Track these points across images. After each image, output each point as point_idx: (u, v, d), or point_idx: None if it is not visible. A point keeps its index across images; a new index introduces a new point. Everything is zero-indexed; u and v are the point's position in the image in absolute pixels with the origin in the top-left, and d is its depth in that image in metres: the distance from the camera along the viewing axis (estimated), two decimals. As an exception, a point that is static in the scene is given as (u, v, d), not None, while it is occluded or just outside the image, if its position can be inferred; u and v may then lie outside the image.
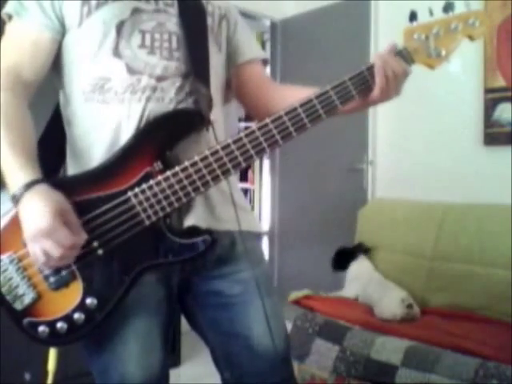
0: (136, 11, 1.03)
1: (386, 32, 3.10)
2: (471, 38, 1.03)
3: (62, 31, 1.03)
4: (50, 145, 1.08)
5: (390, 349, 1.96)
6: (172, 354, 2.71)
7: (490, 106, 2.67)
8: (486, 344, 1.89)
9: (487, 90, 2.68)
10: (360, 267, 2.64)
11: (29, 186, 0.89)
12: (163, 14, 1.06)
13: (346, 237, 2.93)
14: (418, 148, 2.98)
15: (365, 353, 2.00)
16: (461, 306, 2.34)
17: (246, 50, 1.20)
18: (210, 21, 1.12)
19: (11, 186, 0.90)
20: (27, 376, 2.19)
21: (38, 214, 0.87)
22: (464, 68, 2.59)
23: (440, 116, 2.87)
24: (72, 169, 1.06)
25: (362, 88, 1.02)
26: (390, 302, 2.29)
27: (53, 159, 1.06)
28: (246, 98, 1.23)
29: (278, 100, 1.16)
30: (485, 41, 2.61)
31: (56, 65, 1.07)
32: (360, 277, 2.58)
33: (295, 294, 2.48)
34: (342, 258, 2.66)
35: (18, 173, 0.90)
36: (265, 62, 1.26)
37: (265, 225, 3.95)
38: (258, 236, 1.19)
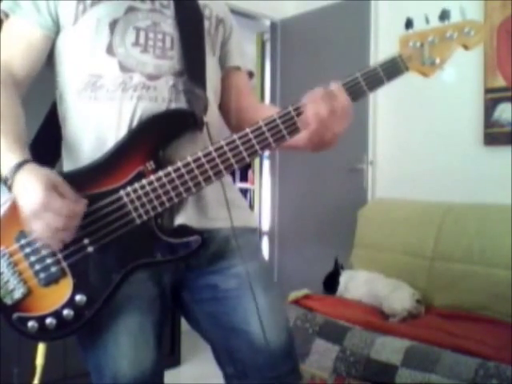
0: (131, 10, 1.04)
1: (385, 32, 3.11)
2: (466, 47, 1.03)
3: (56, 29, 1.04)
4: (45, 143, 1.09)
5: (390, 349, 1.96)
6: (172, 354, 2.71)
7: (490, 106, 2.67)
8: (486, 344, 1.90)
9: (487, 90, 2.68)
10: (352, 274, 2.65)
11: (19, 166, 0.89)
12: (159, 15, 1.07)
13: (345, 237, 2.93)
14: (418, 148, 2.99)
15: (365, 353, 2.00)
16: (461, 306, 2.34)
17: (235, 56, 1.21)
18: (207, 24, 1.13)
19: (2, 170, 0.91)
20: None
21: (31, 190, 0.86)
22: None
23: (440, 116, 2.88)
24: (66, 166, 1.07)
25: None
26: (401, 295, 2.34)
27: (48, 157, 1.06)
28: (222, 102, 1.22)
29: (251, 115, 1.16)
30: (485, 41, 2.61)
31: (52, 63, 1.08)
32: (357, 279, 2.59)
33: (295, 294, 2.48)
34: (330, 281, 2.67)
35: (8, 156, 0.90)
36: (250, 74, 1.27)
37: (265, 225, 3.95)
38: (253, 231, 1.19)
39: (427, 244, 2.56)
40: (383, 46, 3.12)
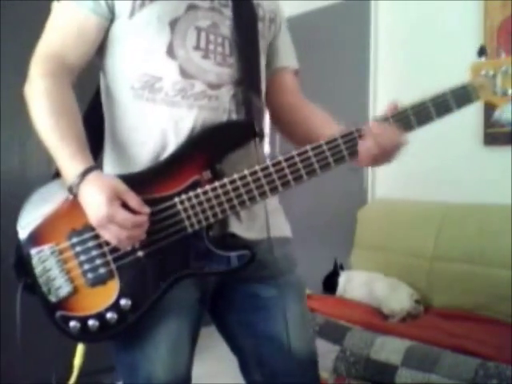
0: (191, 8, 1.01)
1: (386, 32, 3.10)
2: None
3: (111, 17, 1.00)
4: (90, 129, 1.05)
5: (389, 349, 1.95)
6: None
7: (490, 106, 2.66)
8: (486, 344, 1.89)
9: (487, 90, 2.68)
10: (350, 275, 2.65)
11: (83, 175, 0.89)
12: (218, 14, 1.04)
13: (345, 237, 2.93)
14: (417, 148, 2.96)
15: (365, 353, 2.00)
16: (461, 307, 2.34)
17: (283, 55, 1.19)
18: (260, 26, 1.10)
19: (66, 177, 0.91)
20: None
21: (95, 203, 0.88)
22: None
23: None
24: (111, 162, 1.05)
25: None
26: (399, 296, 2.34)
27: (91, 144, 1.03)
28: (270, 104, 1.20)
29: (300, 116, 1.16)
30: (485, 41, 2.61)
31: (102, 51, 1.05)
32: (356, 280, 2.58)
33: (295, 294, 2.48)
34: (330, 281, 2.67)
35: (71, 163, 0.91)
36: (296, 72, 1.24)
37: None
38: (290, 240, 1.18)
39: (427, 244, 2.55)
40: (383, 46, 3.12)
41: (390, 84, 3.05)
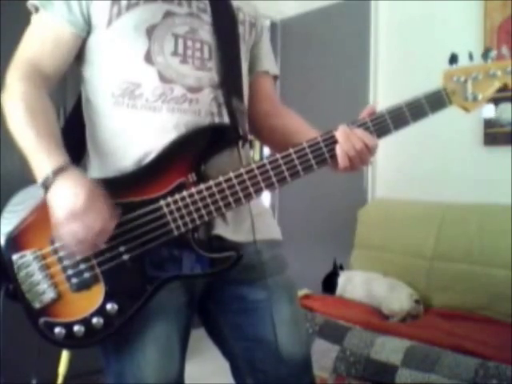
0: (168, 15, 1.02)
1: (385, 32, 3.11)
2: (506, 86, 1.05)
3: (87, 29, 1.02)
4: (71, 138, 1.05)
5: (389, 349, 1.95)
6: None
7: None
8: (486, 344, 1.90)
9: (487, 90, 2.67)
10: (349, 275, 2.65)
11: (60, 170, 0.88)
12: (196, 20, 1.05)
13: (345, 237, 2.93)
14: (417, 148, 2.98)
15: (365, 353, 2.00)
16: (461, 306, 2.34)
17: (264, 60, 1.20)
18: (241, 29, 1.11)
19: (40, 173, 0.89)
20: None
21: (70, 196, 0.85)
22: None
23: (440, 116, 2.86)
24: (95, 169, 1.05)
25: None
26: (399, 296, 2.34)
27: (73, 152, 1.02)
28: (248, 110, 1.20)
29: (277, 123, 1.17)
30: (485, 41, 2.61)
31: (81, 61, 1.06)
32: (355, 280, 2.58)
33: (295, 294, 2.47)
34: (329, 281, 2.67)
35: (47, 159, 0.89)
36: (275, 78, 1.25)
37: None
38: (279, 243, 1.19)
39: (427, 244, 2.56)
40: (383, 45, 3.12)
41: (390, 83, 3.05)
